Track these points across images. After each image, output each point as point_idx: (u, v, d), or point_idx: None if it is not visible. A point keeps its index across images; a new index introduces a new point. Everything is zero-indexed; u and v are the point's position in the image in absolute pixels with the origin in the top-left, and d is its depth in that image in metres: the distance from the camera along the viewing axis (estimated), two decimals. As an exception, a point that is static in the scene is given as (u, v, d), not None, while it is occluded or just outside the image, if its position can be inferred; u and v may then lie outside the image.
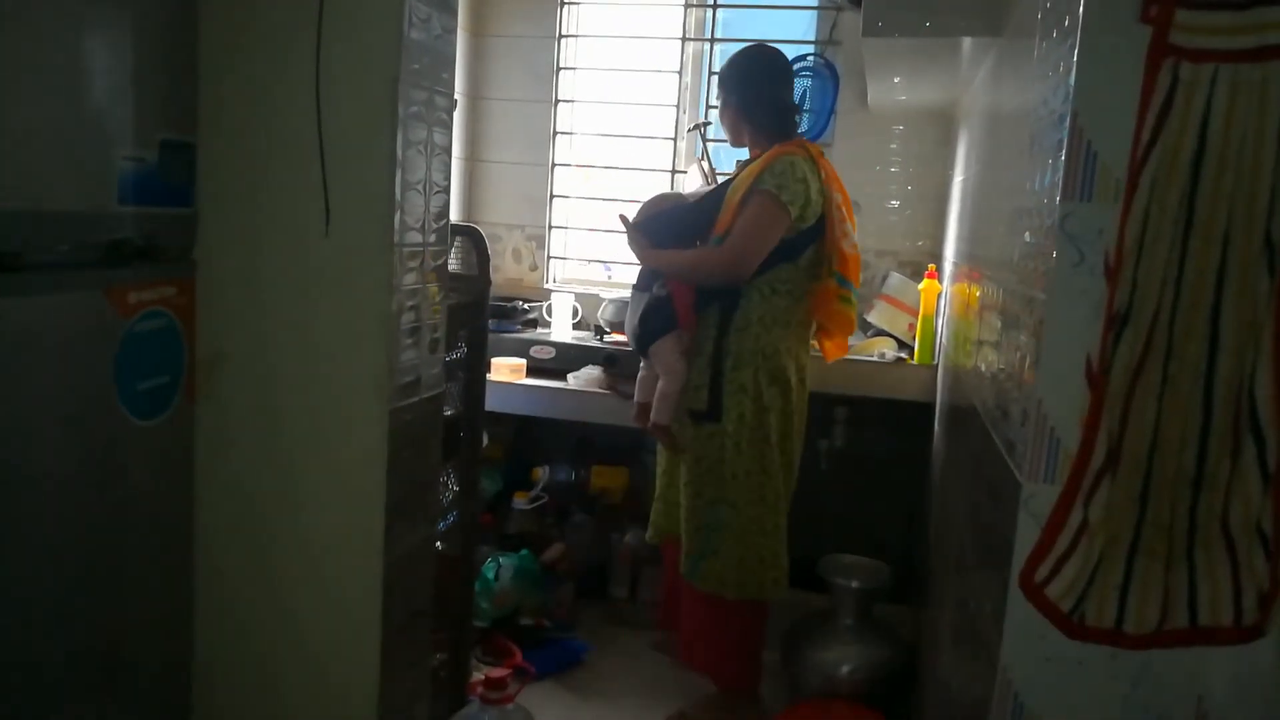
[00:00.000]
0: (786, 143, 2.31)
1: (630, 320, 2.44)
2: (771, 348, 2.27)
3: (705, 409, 2.28)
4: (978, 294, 1.80)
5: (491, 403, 2.31)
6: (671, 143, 3.32)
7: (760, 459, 2.27)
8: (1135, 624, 1.04)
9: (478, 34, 3.41)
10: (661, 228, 2.42)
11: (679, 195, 2.61)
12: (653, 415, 2.37)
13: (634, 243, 2.45)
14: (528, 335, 3.14)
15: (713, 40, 3.27)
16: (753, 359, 2.25)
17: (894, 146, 3.12)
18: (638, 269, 2.50)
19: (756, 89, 2.37)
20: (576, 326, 3.27)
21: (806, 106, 3.09)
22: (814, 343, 2.47)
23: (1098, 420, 1.01)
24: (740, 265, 2.23)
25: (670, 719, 2.42)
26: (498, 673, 1.94)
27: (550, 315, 3.25)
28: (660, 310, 2.37)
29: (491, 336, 2.53)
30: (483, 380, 2.18)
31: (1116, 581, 1.03)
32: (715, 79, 3.25)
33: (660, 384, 2.36)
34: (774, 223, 2.22)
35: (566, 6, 3.37)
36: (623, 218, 2.48)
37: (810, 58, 3.09)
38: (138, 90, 1.40)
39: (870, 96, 2.84)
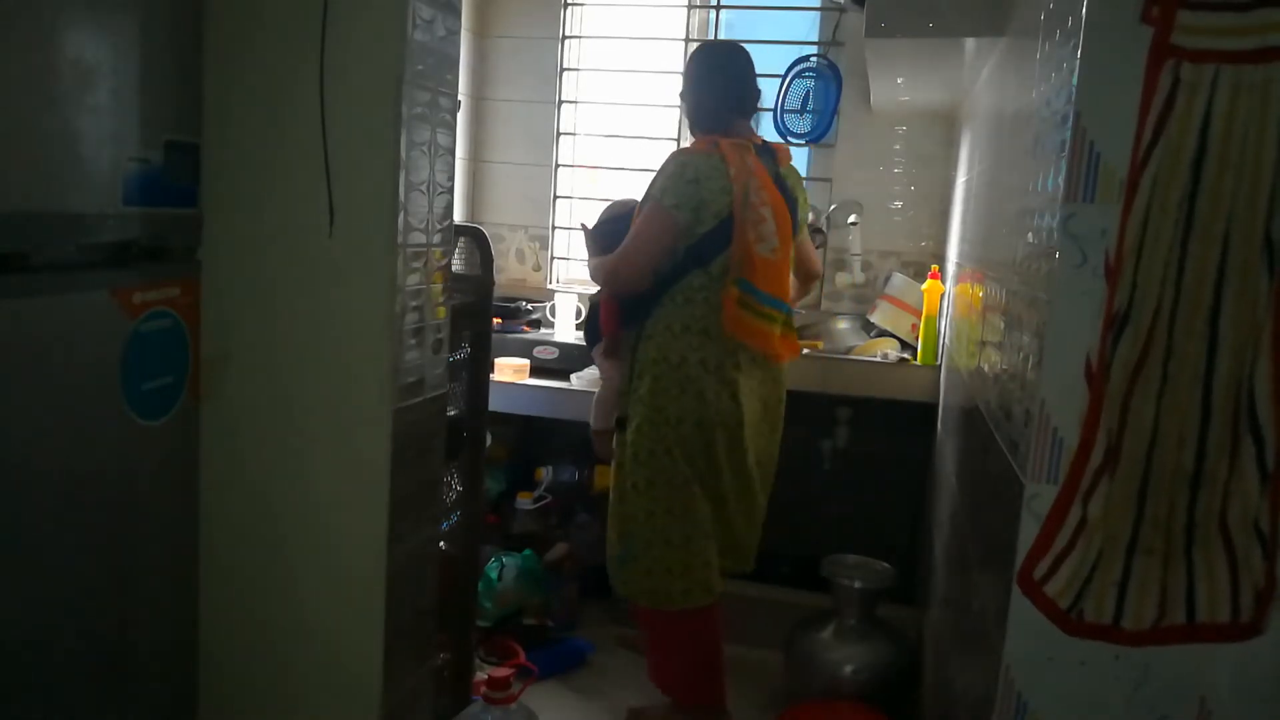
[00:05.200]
0: (700, 140, 2.24)
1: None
2: (678, 356, 2.16)
3: (623, 416, 2.25)
4: (981, 295, 1.80)
5: (495, 403, 2.32)
6: (675, 143, 3.32)
7: (662, 470, 2.18)
8: (1133, 621, 1.04)
9: (482, 35, 3.41)
10: (610, 233, 2.36)
11: (634, 201, 2.59)
12: (591, 420, 2.38)
13: (587, 248, 2.41)
14: (531, 336, 3.15)
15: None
16: (652, 368, 2.18)
17: (897, 147, 3.12)
18: None
19: (693, 84, 2.31)
20: (580, 327, 3.28)
21: (809, 107, 3.10)
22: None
23: (1097, 419, 1.01)
24: (620, 274, 2.18)
25: (631, 711, 2.41)
26: (501, 672, 1.94)
27: (553, 316, 3.26)
28: (592, 317, 2.38)
29: (495, 337, 2.53)
30: (486, 380, 2.19)
31: (1115, 579, 1.04)
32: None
33: (598, 390, 2.38)
34: (657, 229, 2.14)
35: (570, 8, 3.37)
36: (583, 225, 2.44)
37: (813, 58, 3.10)
38: (143, 91, 1.41)
39: (873, 97, 2.84)
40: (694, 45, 3.28)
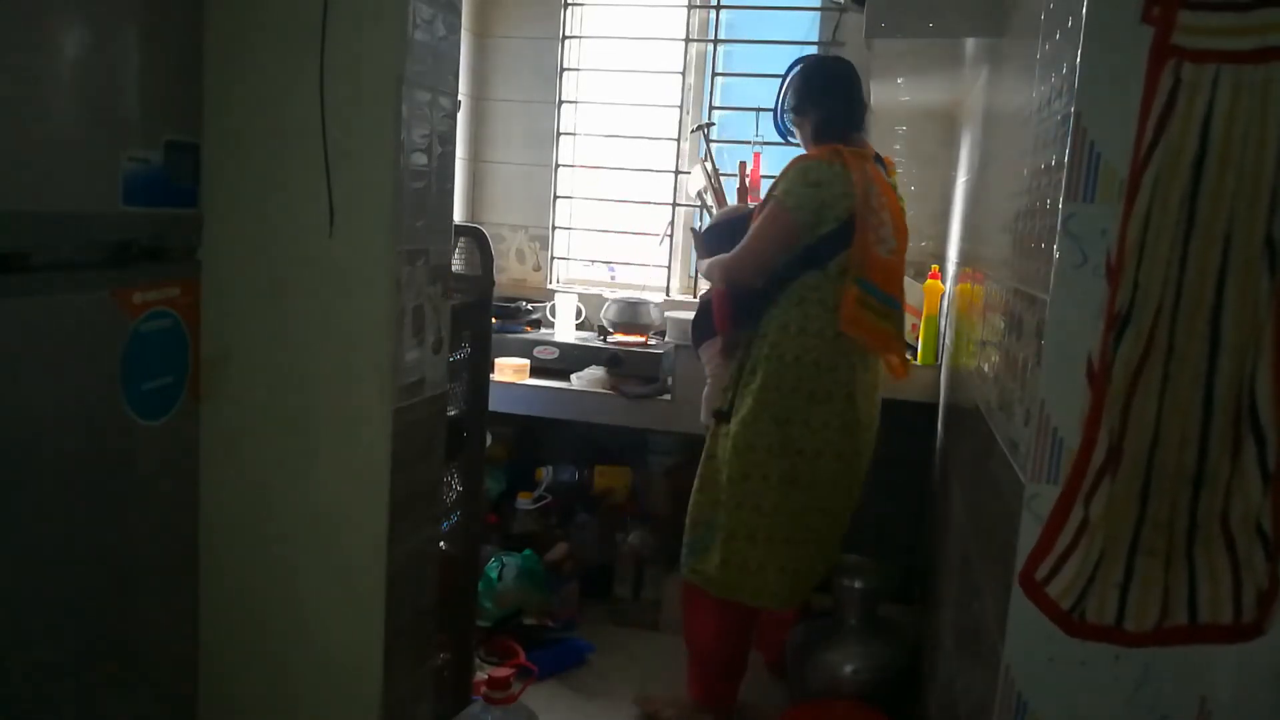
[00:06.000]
0: (820, 148, 2.30)
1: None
2: (793, 355, 2.23)
3: (725, 409, 2.32)
4: (981, 294, 1.80)
5: (495, 403, 2.32)
6: (675, 144, 3.33)
7: (758, 465, 2.25)
8: (1135, 622, 1.04)
9: (482, 35, 3.41)
10: (716, 236, 2.47)
11: (745, 207, 2.62)
12: (701, 415, 2.47)
13: (696, 250, 2.54)
14: (531, 336, 3.15)
15: (715, 41, 3.27)
16: (765, 364, 2.25)
17: (897, 147, 3.12)
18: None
19: (816, 98, 2.36)
20: (580, 327, 3.28)
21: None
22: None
23: (1098, 419, 1.01)
24: (737, 269, 2.28)
25: (639, 696, 2.47)
26: (501, 672, 1.94)
27: (554, 316, 3.26)
28: (704, 315, 2.46)
29: (495, 337, 2.54)
30: (486, 380, 2.19)
31: (1117, 579, 1.04)
32: (718, 79, 3.27)
33: (706, 387, 2.48)
34: (777, 229, 2.23)
35: (570, 8, 3.37)
36: (692, 229, 2.57)
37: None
38: (143, 91, 1.41)
39: (874, 97, 2.83)
40: (695, 45, 3.28)
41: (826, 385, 2.23)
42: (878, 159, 2.36)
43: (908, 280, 2.93)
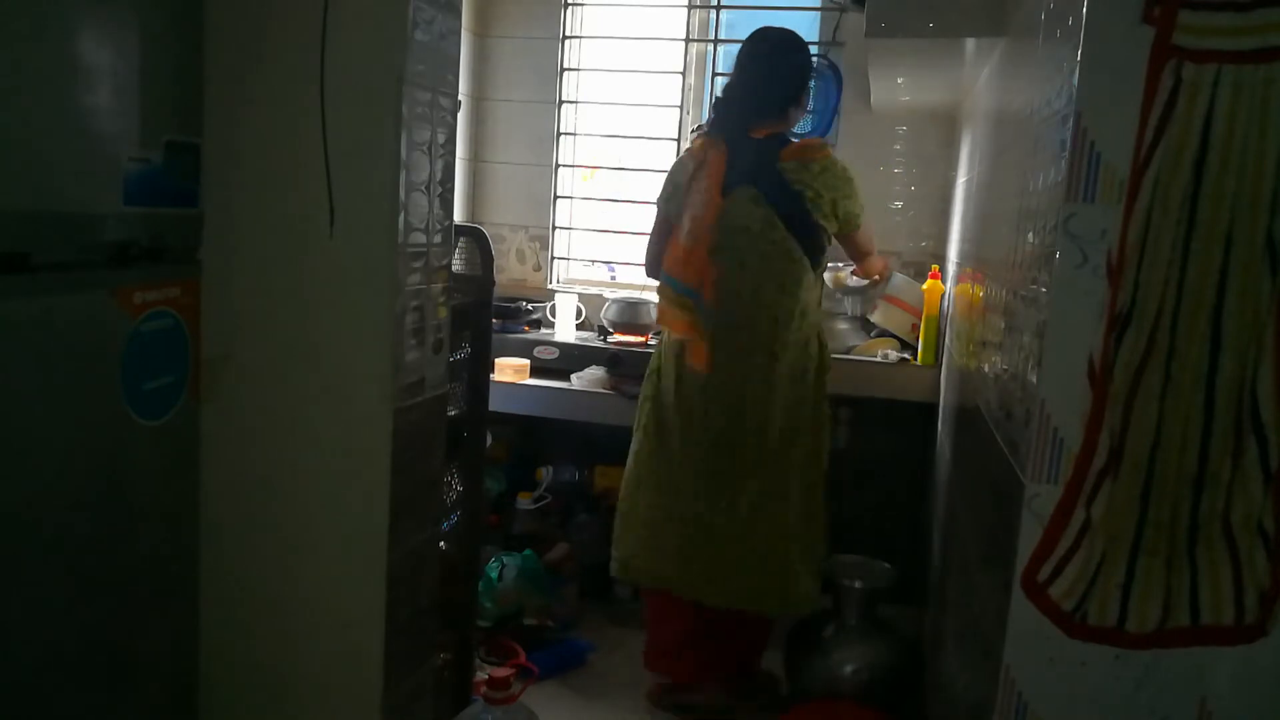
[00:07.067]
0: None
1: None
2: (659, 339, 2.45)
3: None
4: (981, 294, 1.80)
5: (495, 403, 2.32)
6: (675, 144, 3.32)
7: (637, 442, 2.45)
8: (1137, 623, 1.04)
9: (482, 35, 3.41)
10: None
11: None
12: None
13: None
14: (531, 336, 3.15)
15: (716, 41, 3.27)
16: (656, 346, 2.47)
17: (897, 147, 3.12)
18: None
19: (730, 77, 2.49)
20: (580, 327, 3.27)
21: (810, 107, 3.09)
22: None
23: (1100, 420, 1.01)
24: (645, 260, 2.50)
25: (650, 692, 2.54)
26: (501, 672, 1.94)
27: (554, 316, 3.25)
28: None
29: (495, 337, 2.53)
30: (486, 380, 2.19)
31: (1118, 581, 1.04)
32: (718, 79, 3.27)
33: None
34: (655, 222, 2.45)
35: (570, 8, 3.37)
36: None
37: (813, 58, 3.09)
38: (143, 91, 1.41)
39: (874, 97, 2.84)
40: (695, 45, 3.29)
41: (672, 371, 2.37)
42: (768, 142, 2.30)
43: (908, 280, 2.95)
